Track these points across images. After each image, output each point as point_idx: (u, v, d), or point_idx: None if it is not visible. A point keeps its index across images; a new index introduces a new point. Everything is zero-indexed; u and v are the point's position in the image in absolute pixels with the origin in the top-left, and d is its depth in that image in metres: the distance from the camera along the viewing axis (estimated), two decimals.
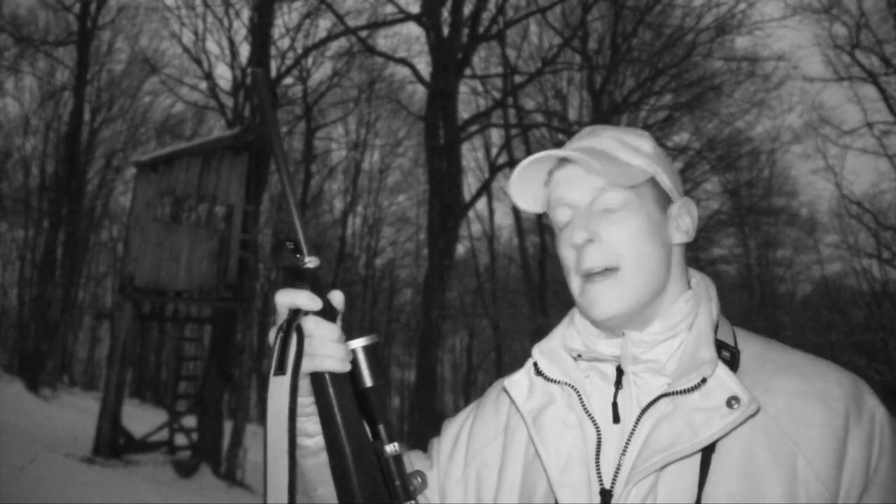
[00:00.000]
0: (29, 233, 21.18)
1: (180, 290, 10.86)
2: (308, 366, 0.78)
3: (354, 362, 0.80)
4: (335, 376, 0.78)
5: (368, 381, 0.80)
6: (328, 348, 0.78)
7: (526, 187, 0.90)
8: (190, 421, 11.58)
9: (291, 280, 0.81)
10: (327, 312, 0.80)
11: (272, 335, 0.80)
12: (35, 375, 15.09)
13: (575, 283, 0.86)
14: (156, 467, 9.86)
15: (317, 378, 0.79)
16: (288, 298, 0.79)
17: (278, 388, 0.76)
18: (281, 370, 0.76)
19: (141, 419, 13.14)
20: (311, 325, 0.78)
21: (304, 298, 0.78)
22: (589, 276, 0.84)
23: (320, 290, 0.80)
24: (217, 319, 11.83)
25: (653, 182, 0.87)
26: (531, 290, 17.67)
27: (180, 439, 11.30)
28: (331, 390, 0.78)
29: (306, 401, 0.82)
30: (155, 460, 10.28)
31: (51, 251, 17.13)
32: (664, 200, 0.88)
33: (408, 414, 23.82)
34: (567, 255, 0.87)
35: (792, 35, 28.37)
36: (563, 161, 0.88)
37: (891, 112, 15.31)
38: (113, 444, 9.94)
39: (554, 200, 0.88)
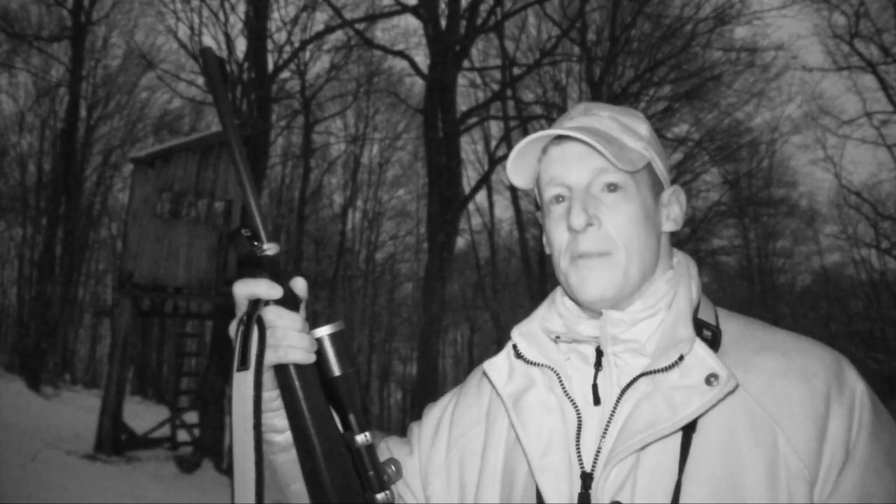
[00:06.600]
0: (27, 231, 21.15)
1: (180, 286, 10.85)
2: (272, 358, 0.74)
3: (321, 352, 0.77)
4: (300, 368, 0.75)
5: (336, 370, 0.77)
6: (292, 339, 0.74)
7: (521, 164, 0.88)
8: (192, 417, 11.58)
9: (250, 269, 0.76)
10: (289, 301, 0.76)
11: (233, 328, 0.77)
12: (36, 374, 15.12)
13: (564, 261, 0.84)
14: (158, 464, 9.87)
15: (281, 370, 0.76)
16: (246, 289, 0.76)
17: (242, 383, 0.73)
18: (244, 365, 0.73)
19: (142, 416, 13.17)
20: (273, 315, 0.75)
21: (263, 288, 0.75)
22: (581, 257, 0.83)
23: (280, 278, 0.76)
24: (217, 315, 11.81)
25: (648, 167, 0.86)
26: (532, 283, 17.66)
27: (182, 435, 11.31)
28: (296, 383, 0.75)
29: (272, 395, 0.79)
30: (157, 457, 10.29)
31: (49, 249, 17.11)
32: (657, 187, 0.87)
33: (409, 408, 23.89)
34: (559, 235, 0.85)
35: (791, 25, 28.28)
36: (560, 137, 0.85)
37: (890, 102, 15.26)
38: (115, 441, 9.96)
39: (548, 178, 0.85)
